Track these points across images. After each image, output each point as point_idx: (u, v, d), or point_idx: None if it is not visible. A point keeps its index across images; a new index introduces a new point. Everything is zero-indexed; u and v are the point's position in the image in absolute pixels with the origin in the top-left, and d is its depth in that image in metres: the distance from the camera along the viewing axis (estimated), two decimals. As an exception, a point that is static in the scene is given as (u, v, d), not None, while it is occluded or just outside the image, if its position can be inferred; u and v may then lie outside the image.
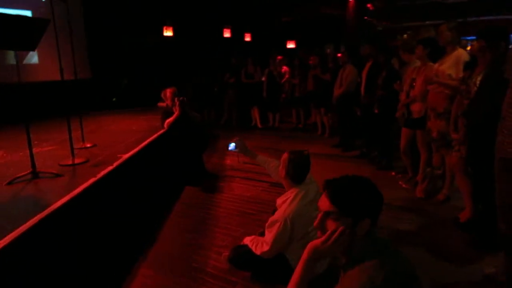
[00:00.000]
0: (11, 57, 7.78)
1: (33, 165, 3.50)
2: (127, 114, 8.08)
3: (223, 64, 9.89)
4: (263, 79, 9.11)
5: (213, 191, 4.90)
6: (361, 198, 1.38)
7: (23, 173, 3.44)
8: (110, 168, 3.64)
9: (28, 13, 8.01)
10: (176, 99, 5.62)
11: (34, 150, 4.69)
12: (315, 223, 1.47)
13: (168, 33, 10.72)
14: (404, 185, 4.83)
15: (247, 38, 12.41)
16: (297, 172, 2.66)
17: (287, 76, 8.98)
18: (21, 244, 2.26)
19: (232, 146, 3.41)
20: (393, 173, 5.30)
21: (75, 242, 2.74)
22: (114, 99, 9.57)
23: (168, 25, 10.69)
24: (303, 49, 9.27)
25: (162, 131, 5.58)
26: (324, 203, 1.45)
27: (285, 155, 2.71)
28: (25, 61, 8.05)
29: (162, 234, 3.69)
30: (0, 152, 4.61)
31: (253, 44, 12.05)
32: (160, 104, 7.09)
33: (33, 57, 8.18)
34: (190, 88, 10.36)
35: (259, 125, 9.20)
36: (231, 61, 9.56)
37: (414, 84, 4.39)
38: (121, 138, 5.45)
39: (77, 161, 3.96)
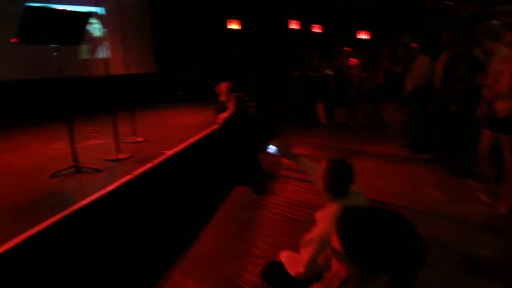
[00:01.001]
0: (84, 51, 8.21)
1: (75, 159, 3.51)
2: (189, 108, 8.12)
3: (288, 57, 9.55)
4: (330, 72, 8.58)
5: (263, 192, 4.62)
6: (375, 248, 0.98)
7: (65, 167, 3.46)
8: (148, 165, 3.52)
9: (102, 10, 8.36)
10: (231, 94, 5.44)
11: (90, 142, 4.89)
12: (320, 258, 1.11)
13: (233, 26, 10.61)
14: (484, 198, 4.11)
15: (316, 29, 11.86)
16: (337, 184, 2.26)
17: (355, 69, 8.36)
18: (37, 243, 2.19)
19: (271, 148, 3.07)
20: (471, 182, 4.56)
21: (100, 242, 2.64)
22: (179, 92, 9.71)
23: (233, 17, 10.59)
24: (373, 40, 8.56)
25: (215, 126, 5.42)
26: (334, 237, 1.08)
27: (323, 164, 2.32)
28: (96, 56, 8.44)
29: (203, 235, 3.51)
30: (58, 144, 4.76)
31: (322, 35, 11.48)
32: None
33: (104, 52, 8.55)
34: (254, 81, 10.20)
35: (324, 121, 8.70)
36: (295, 53, 9.17)
37: (500, 77, 3.66)
38: (174, 133, 5.39)
39: (121, 156, 3.93)
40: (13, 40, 3.18)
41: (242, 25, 10.64)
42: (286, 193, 4.54)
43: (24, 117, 6.74)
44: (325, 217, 2.30)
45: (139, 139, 4.84)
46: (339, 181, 2.25)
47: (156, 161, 3.69)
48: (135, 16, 8.96)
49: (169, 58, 9.59)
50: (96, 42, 8.40)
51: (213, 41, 10.16)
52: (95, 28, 8.37)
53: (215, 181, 4.75)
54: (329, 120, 8.67)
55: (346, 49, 8.67)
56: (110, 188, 2.93)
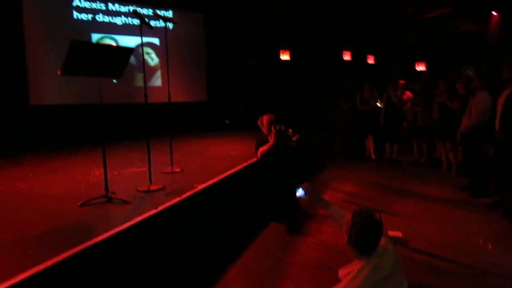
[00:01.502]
0: (139, 80, 8.59)
1: (107, 189, 3.54)
2: (234, 137, 8.12)
3: (339, 88, 9.33)
4: (381, 105, 8.22)
5: (297, 232, 4.38)
6: None
7: (97, 196, 3.50)
8: (175, 199, 3.46)
9: (156, 40, 8.76)
10: (272, 127, 5.32)
11: (130, 170, 4.97)
12: None
13: (285, 57, 10.66)
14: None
15: (370, 60, 11.58)
16: (363, 241, 2.01)
17: (409, 103, 7.93)
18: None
19: (300, 192, 2.88)
20: (537, 237, 4.00)
21: (113, 279, 2.57)
22: (227, 121, 9.80)
23: (285, 48, 10.64)
24: (429, 72, 8.10)
25: (254, 159, 5.30)
26: None
27: (348, 216, 2.09)
28: (150, 84, 8.79)
29: (227, 276, 3.34)
30: (101, 169, 4.89)
31: (374, 66, 11.16)
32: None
33: (157, 80, 8.89)
34: (303, 113, 10.07)
35: (373, 157, 8.29)
36: (345, 84, 8.94)
37: None
38: (213, 163, 5.35)
39: (154, 187, 3.91)
40: (58, 72, 3.33)
41: (293, 55, 10.67)
42: (322, 235, 4.26)
43: (77, 141, 7.09)
44: (349, 276, 2.05)
45: (176, 170, 4.84)
46: (364, 237, 2.01)
47: (185, 195, 3.62)
48: (190, 47, 9.28)
49: (219, 87, 9.77)
50: (150, 71, 8.77)
51: (264, 71, 10.23)
52: (151, 58, 8.77)
53: (248, 216, 4.59)
54: (378, 155, 8.24)
55: (401, 81, 8.28)
56: (131, 223, 2.89)
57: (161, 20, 8.64)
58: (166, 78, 8.82)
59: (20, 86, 7.19)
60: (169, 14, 8.93)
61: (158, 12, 8.60)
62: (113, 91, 8.15)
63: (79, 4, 7.68)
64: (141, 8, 8.46)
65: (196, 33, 9.42)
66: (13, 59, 6.96)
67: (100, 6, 7.99)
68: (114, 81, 8.35)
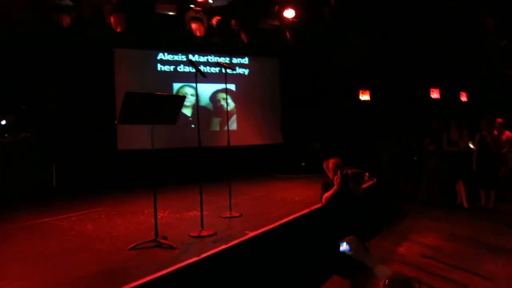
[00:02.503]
0: (215, 124, 8.93)
1: (157, 233, 3.56)
2: (308, 181, 7.84)
3: (425, 128, 8.61)
4: (473, 146, 7.31)
5: (362, 290, 3.91)
6: None
7: (146, 240, 3.53)
8: (221, 247, 3.32)
9: (232, 86, 9.10)
10: (338, 172, 5.01)
11: (191, 213, 5.01)
12: None
13: (364, 97, 10.28)
14: None
15: (463, 97, 10.57)
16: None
17: (507, 144, 6.93)
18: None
19: (344, 246, 2.54)
20: None
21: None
22: (303, 163, 9.58)
23: (364, 88, 10.28)
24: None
25: (318, 205, 4.99)
26: None
27: (380, 283, 1.75)
28: (225, 128, 9.06)
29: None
30: (164, 212, 5.03)
31: (466, 104, 10.13)
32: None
33: (233, 124, 9.14)
34: (386, 155, 9.46)
35: (465, 205, 7.28)
36: (431, 124, 8.20)
37: None
38: (274, 208, 5.17)
39: (205, 233, 3.85)
40: (116, 122, 3.55)
41: (374, 95, 10.24)
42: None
43: (157, 183, 7.45)
44: None
45: (235, 214, 4.75)
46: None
47: (233, 242, 3.48)
48: (265, 91, 9.47)
49: (295, 129, 9.69)
50: (226, 115, 9.05)
51: (342, 112, 9.93)
52: (227, 103, 9.07)
53: (307, 267, 4.24)
54: (471, 204, 7.22)
55: (498, 120, 7.32)
56: (168, 270, 2.82)
57: (237, 67, 9.13)
58: (241, 122, 9.14)
59: (109, 133, 7.93)
60: (245, 61, 9.26)
61: (234, 60, 9.12)
62: (191, 135, 8.57)
63: (162, 57, 8.39)
64: (219, 57, 8.92)
65: (271, 77, 9.61)
66: (104, 109, 7.75)
67: (181, 58, 8.62)
68: (193, 126, 8.84)
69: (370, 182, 7.49)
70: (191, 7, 7.41)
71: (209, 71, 8.77)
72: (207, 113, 8.82)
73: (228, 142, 5.08)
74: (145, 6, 7.14)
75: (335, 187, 4.94)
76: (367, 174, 7.97)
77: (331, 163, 5.18)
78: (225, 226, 4.26)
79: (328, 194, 4.99)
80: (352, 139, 9.60)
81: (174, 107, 3.83)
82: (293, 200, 5.87)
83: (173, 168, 7.93)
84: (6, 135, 6.58)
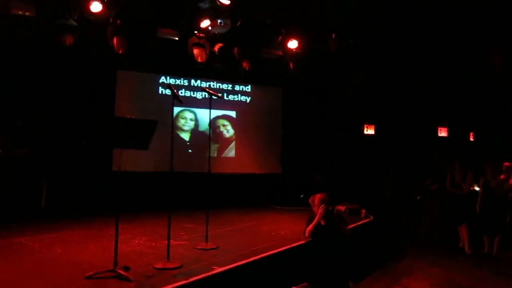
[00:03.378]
0: (213, 150, 8.81)
1: (115, 263, 3.36)
2: (304, 214, 7.54)
3: (430, 167, 8.31)
4: (477, 188, 6.96)
5: None
6: None
7: (104, 270, 3.34)
8: (178, 283, 3.10)
9: (233, 113, 9.03)
10: (322, 204, 4.80)
11: (169, 242, 4.79)
12: None
13: (369, 131, 10.07)
14: None
15: (472, 137, 10.25)
16: None
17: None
18: None
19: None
20: None
21: None
22: (302, 195, 9.30)
23: (370, 123, 10.08)
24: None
25: (298, 243, 4.74)
26: None
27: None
28: (223, 155, 8.92)
29: None
30: (143, 239, 4.85)
31: (474, 144, 9.80)
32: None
33: (231, 151, 8.99)
34: (389, 191, 9.16)
35: (467, 250, 6.85)
36: (434, 162, 7.89)
37: None
38: (255, 242, 4.91)
39: (170, 265, 3.63)
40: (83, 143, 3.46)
41: (379, 130, 10.03)
42: None
43: (145, 206, 7.30)
44: None
45: (211, 246, 4.51)
46: None
47: (193, 278, 3.25)
48: (266, 119, 9.35)
49: (295, 160, 9.47)
50: (225, 142, 8.95)
51: (346, 146, 9.70)
52: (226, 130, 9.00)
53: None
54: (473, 249, 6.79)
55: (506, 164, 6.95)
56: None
57: (238, 94, 9.09)
58: (240, 149, 8.99)
59: (105, 154, 7.86)
60: (248, 88, 9.21)
61: (236, 87, 9.08)
62: (188, 160, 8.46)
63: (164, 80, 8.38)
64: (221, 83, 8.91)
65: (273, 105, 9.49)
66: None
67: (184, 82, 8.62)
68: (190, 150, 8.70)
69: (366, 220, 7.20)
70: (195, 33, 7.45)
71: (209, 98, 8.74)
72: (205, 138, 8.71)
73: (209, 169, 4.92)
74: (147, 29, 7.20)
75: (316, 218, 4.72)
76: (363, 211, 7.67)
77: (317, 198, 4.97)
78: (195, 259, 4.02)
79: (310, 227, 4.78)
80: (354, 173, 9.32)
81: (146, 132, 3.70)
82: (278, 234, 5.60)
83: (164, 192, 7.77)
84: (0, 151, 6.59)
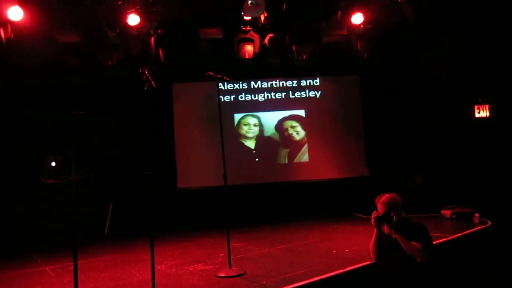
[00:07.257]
0: (282, 157, 7.83)
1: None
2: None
3: None
4: None
5: None
6: None
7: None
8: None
9: (302, 112, 7.92)
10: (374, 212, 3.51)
11: (191, 268, 3.95)
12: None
13: (482, 113, 7.91)
14: None
15: None
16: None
17: None
18: None
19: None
20: None
21: None
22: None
23: (483, 102, 7.91)
24: None
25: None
26: None
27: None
28: (295, 160, 7.83)
29: None
30: (163, 264, 4.10)
31: None
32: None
33: (304, 155, 7.83)
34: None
35: None
36: None
37: None
38: (300, 265, 3.77)
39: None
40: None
41: (495, 110, 7.83)
42: None
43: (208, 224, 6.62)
44: None
45: (233, 274, 3.51)
46: None
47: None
48: (342, 115, 7.96)
49: (385, 159, 7.84)
50: (295, 146, 7.84)
51: (450, 136, 7.73)
52: (296, 131, 7.88)
53: None
54: None
55: None
56: None
57: (306, 90, 7.96)
58: (314, 152, 7.76)
59: (169, 171, 7.52)
60: (316, 82, 8.00)
61: (303, 82, 7.95)
62: (254, 170, 7.62)
63: (222, 87, 7.68)
64: (285, 81, 7.92)
65: (350, 98, 7.99)
66: (164, 148, 7.45)
67: (243, 86, 7.87)
68: (257, 159, 7.86)
69: (482, 226, 5.37)
70: (240, 28, 6.67)
71: (273, 98, 7.81)
72: (273, 143, 7.79)
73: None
74: (190, 31, 6.67)
75: (374, 233, 3.40)
76: (477, 215, 5.80)
77: (380, 201, 3.65)
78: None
79: (371, 244, 3.47)
80: (464, 170, 7.32)
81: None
82: (341, 252, 4.31)
83: (225, 208, 7.06)
84: (62, 176, 6.65)
